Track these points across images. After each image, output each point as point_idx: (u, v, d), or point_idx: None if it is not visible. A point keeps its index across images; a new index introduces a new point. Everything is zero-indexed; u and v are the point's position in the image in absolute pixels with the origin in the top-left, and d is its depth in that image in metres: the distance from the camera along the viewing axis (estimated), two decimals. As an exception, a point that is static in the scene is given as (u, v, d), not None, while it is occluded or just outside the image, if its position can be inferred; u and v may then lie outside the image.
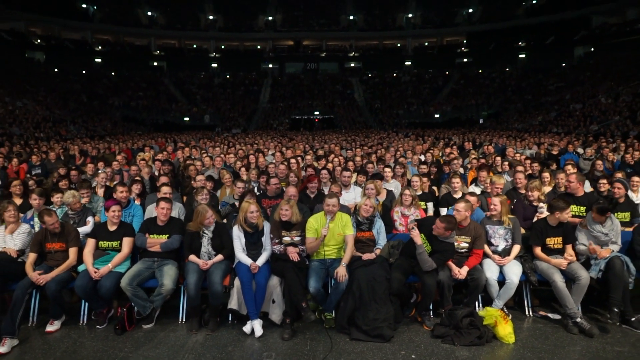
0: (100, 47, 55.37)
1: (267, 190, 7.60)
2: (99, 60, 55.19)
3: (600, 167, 9.15)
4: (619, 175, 7.90)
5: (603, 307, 5.61)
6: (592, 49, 49.33)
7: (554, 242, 5.72)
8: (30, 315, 5.60)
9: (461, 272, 5.48)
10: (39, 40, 50.32)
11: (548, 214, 5.90)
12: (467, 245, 5.68)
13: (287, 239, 5.75)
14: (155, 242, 5.76)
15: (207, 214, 5.71)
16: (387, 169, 8.56)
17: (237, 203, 7.04)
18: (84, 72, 51.54)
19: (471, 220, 5.83)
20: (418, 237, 5.41)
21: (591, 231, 5.80)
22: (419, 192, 7.54)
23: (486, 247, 5.84)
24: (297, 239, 5.76)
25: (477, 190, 7.84)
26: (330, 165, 9.79)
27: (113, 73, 53.99)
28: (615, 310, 5.25)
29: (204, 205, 5.85)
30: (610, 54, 43.90)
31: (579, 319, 5.22)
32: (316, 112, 49.71)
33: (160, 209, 5.84)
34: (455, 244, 5.58)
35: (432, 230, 5.47)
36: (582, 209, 6.50)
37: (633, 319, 5.33)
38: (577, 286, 5.37)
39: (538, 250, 5.76)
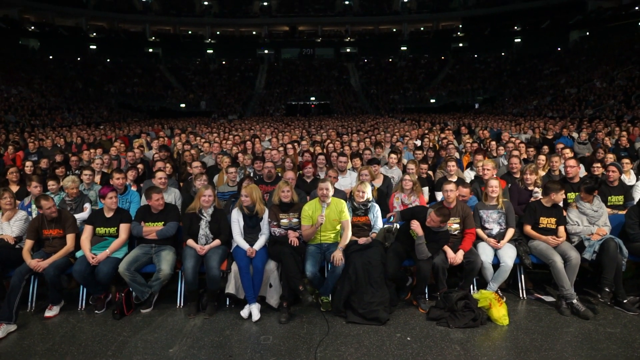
0: (94, 34, 54.95)
1: (264, 175, 7.61)
2: (94, 47, 54.78)
3: (601, 156, 8.98)
4: (611, 157, 7.91)
5: (596, 290, 5.65)
6: (588, 33, 49.23)
7: (547, 222, 5.77)
8: (29, 301, 5.63)
9: (456, 258, 5.50)
10: (32, 27, 49.91)
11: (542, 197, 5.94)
12: (458, 226, 5.71)
13: (285, 221, 5.79)
14: (151, 230, 5.77)
15: (206, 191, 5.75)
16: (393, 155, 8.46)
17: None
18: (78, 59, 51.19)
19: (457, 201, 5.86)
20: (420, 229, 5.37)
21: (580, 208, 5.92)
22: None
23: (480, 232, 5.88)
24: (295, 220, 5.80)
25: (472, 174, 7.86)
26: (326, 150, 9.78)
27: (108, 60, 53.72)
28: (607, 290, 5.32)
29: (205, 184, 5.86)
30: (605, 38, 43.86)
31: (574, 301, 5.27)
32: (312, 98, 49.68)
33: (154, 201, 5.80)
34: (447, 227, 5.61)
35: (424, 221, 5.43)
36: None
37: (625, 301, 5.39)
38: (568, 267, 5.40)
39: (528, 228, 5.84)
